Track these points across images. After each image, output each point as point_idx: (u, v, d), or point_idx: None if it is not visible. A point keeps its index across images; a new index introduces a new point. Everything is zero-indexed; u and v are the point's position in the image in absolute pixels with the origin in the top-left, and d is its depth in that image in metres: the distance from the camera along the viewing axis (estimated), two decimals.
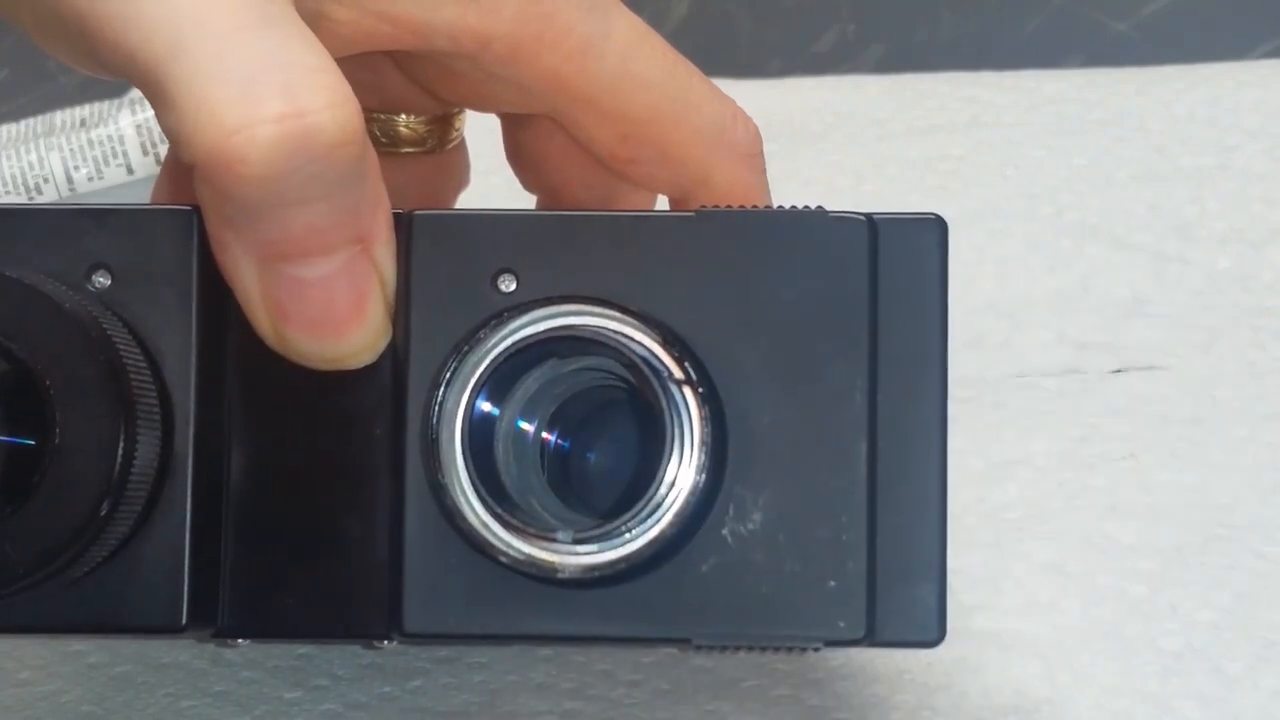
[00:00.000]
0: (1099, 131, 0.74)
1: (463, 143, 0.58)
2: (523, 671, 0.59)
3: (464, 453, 0.45)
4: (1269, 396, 0.68)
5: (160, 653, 0.61)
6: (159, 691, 0.60)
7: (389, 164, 0.55)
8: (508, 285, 0.46)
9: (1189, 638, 0.59)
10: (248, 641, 0.48)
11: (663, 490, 0.45)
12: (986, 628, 0.59)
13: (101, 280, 0.46)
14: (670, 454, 0.45)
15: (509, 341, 0.46)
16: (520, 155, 0.56)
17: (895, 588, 0.46)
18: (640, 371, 0.45)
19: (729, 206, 0.48)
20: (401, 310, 0.46)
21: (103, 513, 0.43)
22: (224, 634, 0.47)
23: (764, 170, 0.53)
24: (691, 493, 0.45)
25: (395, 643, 0.47)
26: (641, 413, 0.46)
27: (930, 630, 0.46)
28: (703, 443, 0.45)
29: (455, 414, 0.45)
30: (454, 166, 0.58)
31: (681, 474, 0.45)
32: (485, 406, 0.46)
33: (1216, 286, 0.70)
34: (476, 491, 0.45)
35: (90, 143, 0.72)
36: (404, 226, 0.46)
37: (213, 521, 0.47)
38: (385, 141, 0.56)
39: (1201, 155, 0.73)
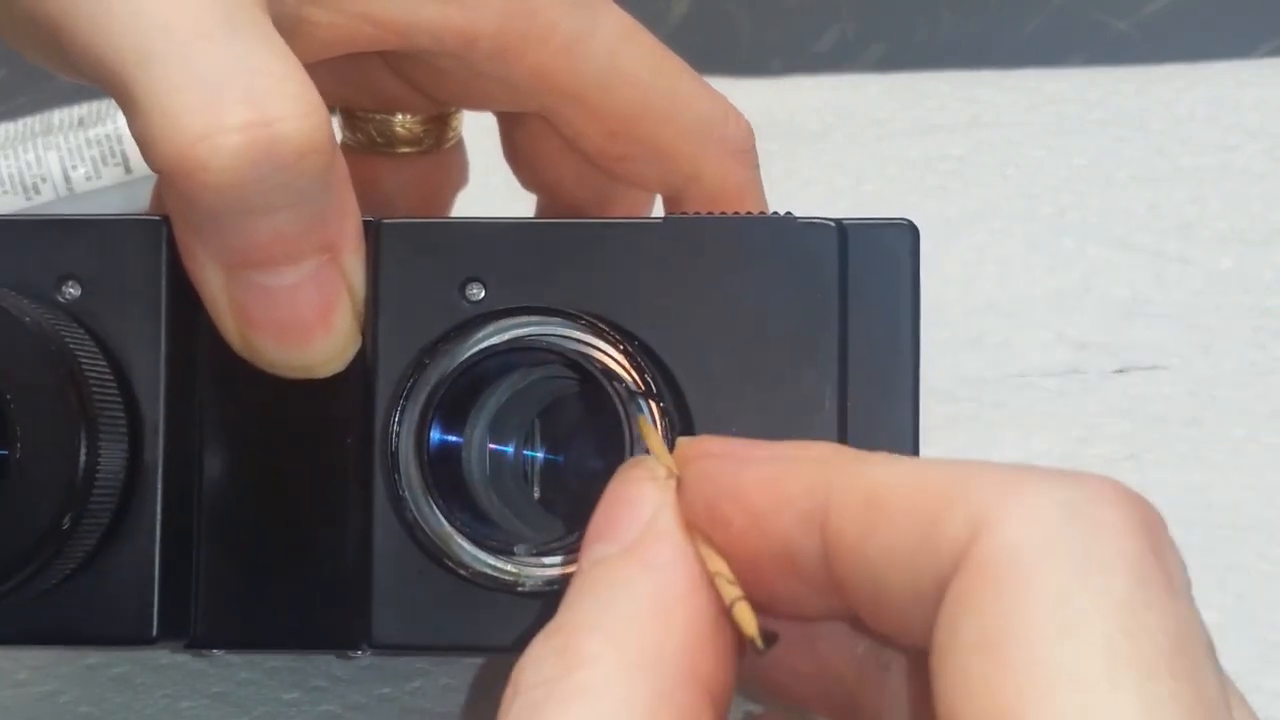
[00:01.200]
0: (1099, 131, 0.74)
1: (461, 142, 0.58)
2: None
3: (422, 466, 0.45)
4: (1269, 396, 0.68)
5: (158, 654, 0.61)
6: (157, 692, 0.60)
7: (387, 164, 0.55)
8: (476, 293, 0.46)
9: None
10: (221, 652, 0.48)
11: None
12: None
13: (71, 291, 0.46)
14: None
15: (468, 354, 0.45)
16: (517, 154, 0.56)
17: None
18: (599, 383, 0.44)
19: (697, 213, 0.47)
20: (370, 318, 0.46)
21: (65, 526, 0.43)
22: (197, 645, 0.47)
23: (756, 166, 0.53)
24: None
25: (367, 653, 0.47)
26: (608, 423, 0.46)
27: None
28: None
29: (414, 427, 0.45)
30: (452, 166, 0.58)
31: None
32: (447, 420, 0.45)
33: (1217, 286, 0.70)
34: (436, 505, 0.45)
35: (88, 142, 0.72)
36: (372, 234, 0.46)
37: (185, 532, 0.46)
38: (381, 141, 0.55)
39: (1202, 155, 0.73)
